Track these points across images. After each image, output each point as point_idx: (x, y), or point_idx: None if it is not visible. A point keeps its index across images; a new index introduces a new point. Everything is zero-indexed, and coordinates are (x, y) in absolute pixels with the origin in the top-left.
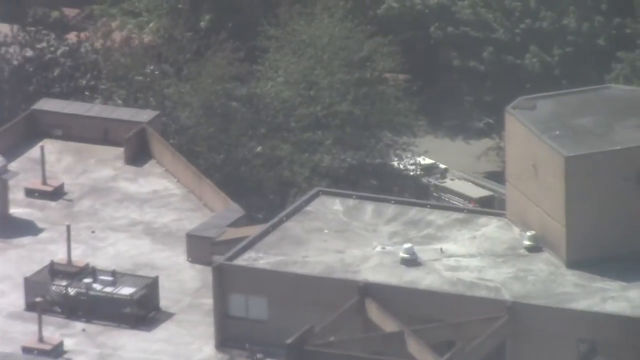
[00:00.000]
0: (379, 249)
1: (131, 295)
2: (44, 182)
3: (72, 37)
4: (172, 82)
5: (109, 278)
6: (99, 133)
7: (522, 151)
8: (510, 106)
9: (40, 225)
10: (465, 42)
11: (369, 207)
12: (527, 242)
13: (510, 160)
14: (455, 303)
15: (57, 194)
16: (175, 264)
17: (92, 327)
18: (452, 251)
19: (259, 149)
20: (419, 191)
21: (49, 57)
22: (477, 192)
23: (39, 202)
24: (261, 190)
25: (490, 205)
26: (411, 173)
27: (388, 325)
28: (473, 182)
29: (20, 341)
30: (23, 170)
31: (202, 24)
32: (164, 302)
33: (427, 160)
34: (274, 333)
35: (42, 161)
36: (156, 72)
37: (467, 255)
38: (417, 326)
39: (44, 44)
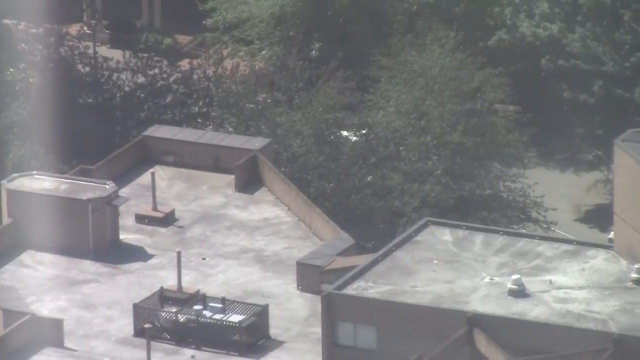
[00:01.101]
0: (487, 279)
1: (240, 322)
2: (155, 209)
3: (184, 64)
4: (283, 110)
5: (219, 305)
6: (211, 160)
7: (631, 184)
8: (619, 139)
9: (150, 251)
10: (575, 74)
11: (478, 238)
12: (634, 275)
13: (619, 192)
14: (563, 335)
15: (167, 220)
16: (284, 292)
17: (201, 354)
18: (560, 283)
19: (369, 178)
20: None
21: (161, 84)
22: None
23: (149, 228)
24: (371, 219)
25: None
26: (520, 205)
27: (496, 356)
28: None
29: None
30: (134, 197)
31: (313, 53)
32: (274, 330)
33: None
34: None
35: (153, 187)
36: (268, 100)
37: (575, 287)
38: (524, 357)
39: (156, 71)
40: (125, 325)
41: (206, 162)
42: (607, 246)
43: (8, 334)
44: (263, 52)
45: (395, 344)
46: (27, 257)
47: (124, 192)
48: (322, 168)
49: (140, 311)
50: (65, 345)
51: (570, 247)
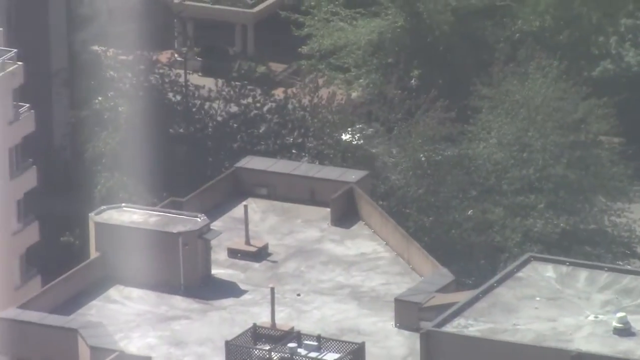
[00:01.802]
0: (591, 317)
1: None
2: (248, 243)
3: (278, 93)
4: (381, 142)
5: (314, 343)
6: (306, 193)
7: None
8: None
9: (243, 287)
10: None
11: (582, 274)
12: None
13: None
14: None
15: (261, 255)
16: (382, 329)
17: None
18: None
19: (469, 212)
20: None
21: (255, 113)
22: None
23: (241, 263)
24: (471, 254)
25: None
26: (625, 240)
27: None
28: None
29: None
30: (226, 230)
31: (413, 82)
32: None
33: None
34: None
35: (246, 221)
36: (364, 131)
37: None
38: None
39: (250, 100)
40: None
41: (301, 195)
42: None
43: None
44: (360, 80)
45: None
46: (115, 292)
47: (216, 225)
48: (421, 201)
49: (233, 349)
50: None
51: None
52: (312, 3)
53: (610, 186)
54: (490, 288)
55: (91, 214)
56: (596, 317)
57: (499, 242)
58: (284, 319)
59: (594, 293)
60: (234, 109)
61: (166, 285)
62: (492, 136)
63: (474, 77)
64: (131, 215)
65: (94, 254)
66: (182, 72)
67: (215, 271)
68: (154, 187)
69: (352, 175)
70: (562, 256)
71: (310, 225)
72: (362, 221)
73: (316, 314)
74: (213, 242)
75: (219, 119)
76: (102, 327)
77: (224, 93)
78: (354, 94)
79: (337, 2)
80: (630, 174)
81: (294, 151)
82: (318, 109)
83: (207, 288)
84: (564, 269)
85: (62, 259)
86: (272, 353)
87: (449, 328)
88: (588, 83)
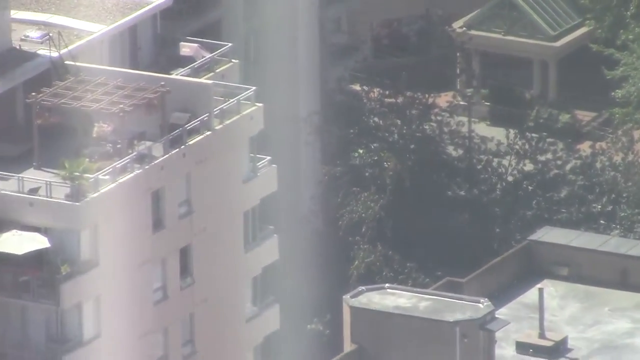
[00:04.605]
0: None
1: None
2: (542, 336)
3: (584, 147)
4: None
5: None
6: (616, 274)
7: None
8: None
9: None
10: None
11: None
12: None
13: None
14: None
15: (558, 350)
16: None
17: None
18: None
19: None
20: None
21: (555, 173)
22: None
23: (533, 359)
24: None
25: None
26: None
27: None
28: None
29: None
30: (515, 319)
31: None
32: None
33: None
34: None
35: (541, 308)
36: None
37: None
38: None
39: (549, 156)
40: None
41: (610, 277)
42: None
43: None
44: None
45: None
46: None
47: (502, 313)
48: None
49: None
50: None
51: None
52: (631, 37)
53: None
54: None
55: (346, 297)
56: None
57: None
58: None
59: None
60: (528, 166)
61: None
62: None
63: None
64: (396, 299)
65: (348, 346)
66: (465, 119)
67: None
68: (426, 263)
69: None
70: None
71: (621, 315)
72: None
73: None
74: (498, 334)
75: (510, 179)
76: None
77: (517, 147)
78: None
79: None
80: None
81: (602, 221)
82: (634, 169)
83: None
84: None
85: (308, 351)
86: None
87: None
88: None
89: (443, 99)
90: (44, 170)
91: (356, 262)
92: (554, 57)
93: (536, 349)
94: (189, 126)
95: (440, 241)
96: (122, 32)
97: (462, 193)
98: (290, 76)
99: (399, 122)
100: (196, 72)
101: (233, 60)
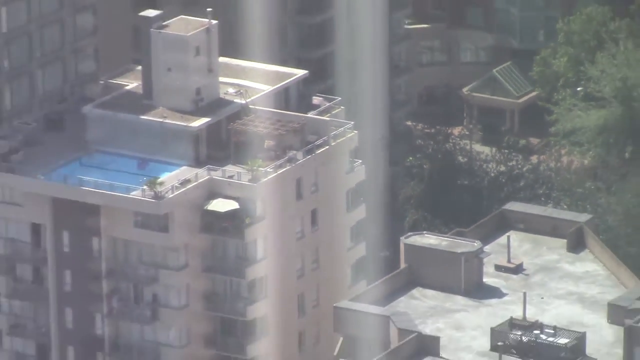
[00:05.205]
0: None
1: (566, 344)
2: (509, 261)
3: (534, 158)
4: (603, 195)
5: (551, 331)
6: (550, 228)
7: None
8: None
9: (504, 291)
10: None
11: None
12: None
13: None
14: None
15: (517, 269)
16: (598, 324)
17: None
18: None
19: None
20: None
21: (517, 172)
22: None
23: (504, 274)
24: None
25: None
26: None
27: None
28: None
29: None
30: (494, 252)
31: (626, 154)
32: (589, 350)
33: None
34: None
35: (508, 246)
36: (592, 187)
37: None
38: None
39: (513, 163)
40: (484, 342)
41: (547, 229)
42: None
43: (401, 346)
44: (590, 152)
45: None
46: (416, 292)
47: (487, 248)
48: (630, 237)
49: (495, 333)
50: (440, 355)
51: None
52: (559, 97)
53: None
54: None
55: (402, 238)
56: None
57: None
58: (532, 314)
59: None
60: (502, 168)
61: (451, 287)
62: None
63: None
64: (429, 240)
65: (402, 265)
66: (468, 142)
67: (486, 280)
68: (445, 221)
69: (582, 218)
70: None
71: (552, 252)
72: (588, 249)
73: (553, 311)
74: (485, 260)
75: (492, 175)
76: (407, 315)
77: (496, 157)
78: (585, 162)
79: (577, 98)
80: None
81: (542, 199)
82: (560, 171)
83: (479, 291)
84: None
85: (380, 268)
86: (523, 337)
87: None
88: None
89: (456, 130)
90: (237, 166)
91: (407, 219)
92: (517, 107)
93: (506, 269)
94: (317, 143)
95: (453, 209)
96: (280, 90)
97: (466, 182)
98: (372, 112)
99: (431, 142)
100: (321, 113)
101: (341, 107)
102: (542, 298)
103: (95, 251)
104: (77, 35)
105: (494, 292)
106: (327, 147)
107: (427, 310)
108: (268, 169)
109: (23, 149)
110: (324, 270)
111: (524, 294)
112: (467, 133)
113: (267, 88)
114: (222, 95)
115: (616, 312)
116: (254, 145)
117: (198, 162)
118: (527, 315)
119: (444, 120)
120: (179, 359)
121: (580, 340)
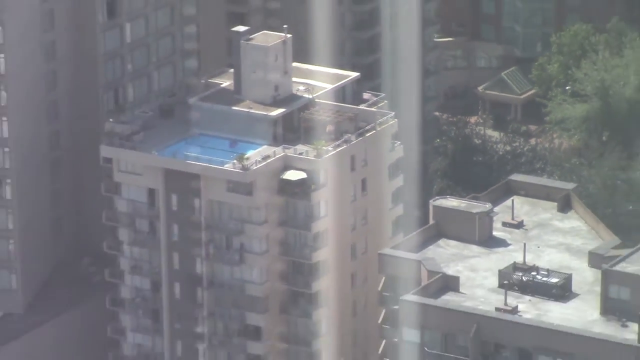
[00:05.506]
0: None
1: (557, 282)
2: (512, 219)
3: (532, 140)
4: (584, 169)
5: (545, 273)
6: (544, 194)
7: None
8: None
9: (509, 242)
10: None
11: None
12: None
13: None
14: None
15: (519, 225)
16: (581, 267)
17: (534, 299)
18: None
19: None
20: None
21: (519, 151)
22: None
23: (509, 229)
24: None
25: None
26: None
27: None
28: None
29: (494, 304)
30: (501, 212)
31: (604, 138)
32: (574, 288)
33: None
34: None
35: (512, 208)
36: (577, 163)
37: None
38: None
39: (516, 144)
40: (493, 281)
41: (544, 194)
42: None
43: (429, 284)
44: (575, 136)
45: None
46: (442, 242)
47: (496, 209)
48: (606, 201)
49: (502, 274)
50: (460, 290)
51: None
52: (553, 94)
53: None
54: None
55: (431, 201)
56: None
57: None
58: (530, 260)
59: None
60: (508, 148)
61: (468, 239)
62: None
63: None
64: (451, 202)
65: (431, 221)
66: (482, 128)
67: (495, 233)
68: (464, 188)
69: (569, 186)
70: None
71: (546, 211)
72: (574, 210)
73: (547, 258)
74: (495, 218)
75: (500, 153)
76: (433, 260)
77: (503, 140)
78: (572, 143)
79: (566, 95)
80: None
81: (539, 172)
82: (552, 150)
83: (490, 242)
84: None
85: (413, 224)
86: (523, 277)
87: (617, 268)
88: None
89: (473, 119)
90: (305, 145)
91: (434, 186)
92: (520, 102)
93: (510, 225)
94: (366, 128)
95: (470, 179)
96: (338, 88)
97: (480, 159)
98: (409, 105)
99: (454, 128)
100: (369, 105)
101: (385, 101)
102: (538, 247)
103: (196, 209)
104: (184, 45)
105: (501, 243)
106: (374, 131)
107: (449, 256)
108: (329, 148)
109: (142, 132)
110: (371, 225)
111: (524, 244)
112: (481, 121)
113: (328, 86)
114: (294, 92)
115: (595, 259)
116: (318, 129)
117: (276, 142)
118: (527, 261)
119: (464, 112)
120: (260, 293)
121: (567, 280)
